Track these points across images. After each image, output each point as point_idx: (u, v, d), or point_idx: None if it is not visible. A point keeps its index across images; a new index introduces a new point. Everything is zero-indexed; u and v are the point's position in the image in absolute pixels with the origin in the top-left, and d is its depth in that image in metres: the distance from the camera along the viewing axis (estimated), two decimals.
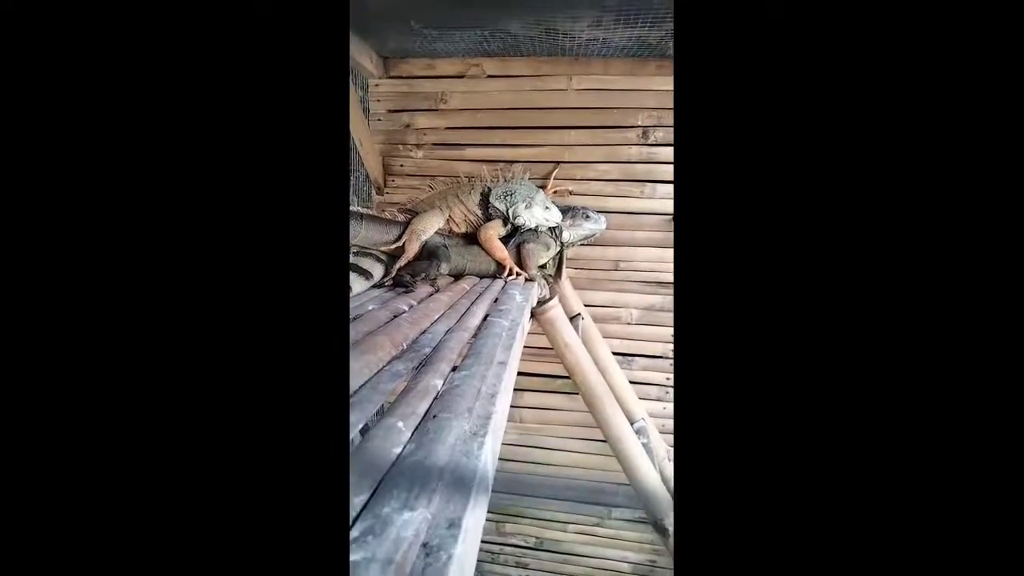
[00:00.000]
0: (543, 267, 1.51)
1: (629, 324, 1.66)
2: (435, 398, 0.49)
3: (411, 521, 0.28)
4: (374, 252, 1.27)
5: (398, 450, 0.37)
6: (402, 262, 1.24)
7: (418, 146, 1.66)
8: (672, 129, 1.50)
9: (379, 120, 1.66)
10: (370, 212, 1.35)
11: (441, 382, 0.53)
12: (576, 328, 1.41)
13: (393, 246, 1.28)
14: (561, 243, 1.45)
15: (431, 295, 1.04)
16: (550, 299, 1.29)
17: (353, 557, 0.25)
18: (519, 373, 1.61)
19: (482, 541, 0.37)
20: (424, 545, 0.27)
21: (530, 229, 1.39)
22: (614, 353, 1.64)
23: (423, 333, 0.73)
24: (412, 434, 0.40)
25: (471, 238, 1.41)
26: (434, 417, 0.43)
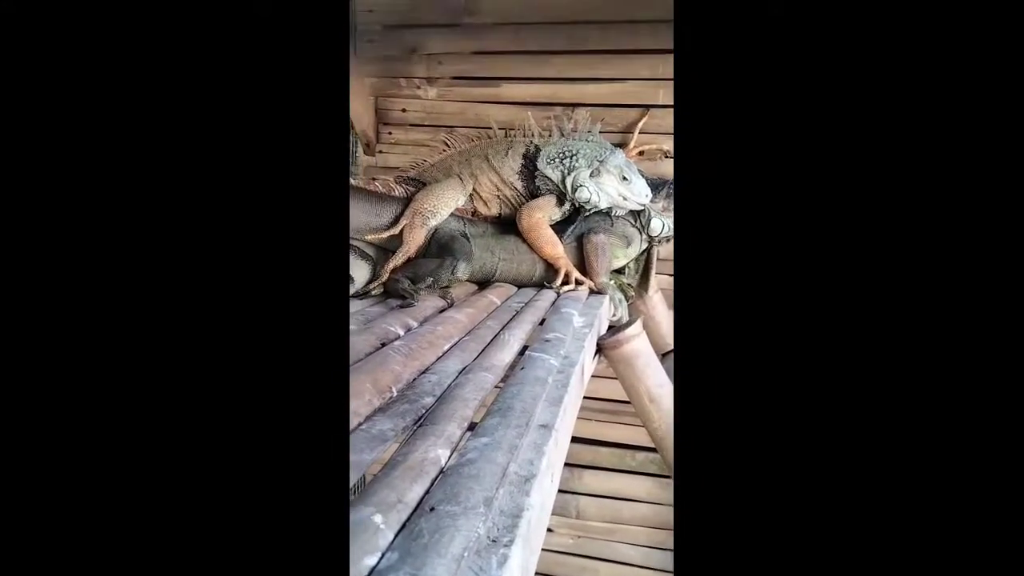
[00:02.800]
0: (619, 272, 1.49)
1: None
2: (436, 479, 0.49)
3: None
4: (358, 244, 1.30)
5: (372, 561, 0.38)
6: (398, 260, 1.26)
7: (429, 80, 1.70)
8: None
9: (370, 41, 1.71)
10: (353, 183, 1.39)
11: (447, 453, 0.53)
12: (671, 371, 1.39)
13: (386, 234, 1.31)
14: (650, 237, 1.44)
15: (441, 312, 1.05)
16: (630, 324, 1.28)
17: None
18: (574, 439, 1.60)
19: None
20: None
21: (600, 212, 1.38)
22: None
23: (424, 373, 0.73)
24: (396, 536, 0.40)
25: (507, 224, 1.43)
26: (432, 510, 0.43)
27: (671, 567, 1.76)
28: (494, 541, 0.41)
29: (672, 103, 1.57)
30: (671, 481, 1.39)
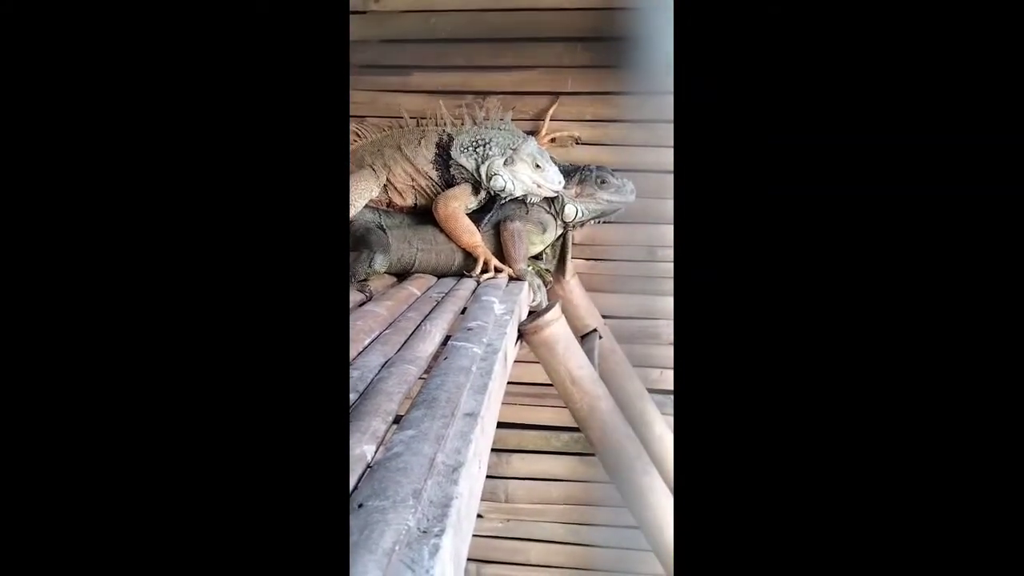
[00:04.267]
0: (536, 259, 1.51)
1: (673, 344, 1.68)
2: (362, 475, 0.48)
3: None
4: None
5: None
6: None
7: None
8: None
9: None
10: None
11: (372, 448, 0.53)
12: (590, 353, 1.42)
13: None
14: (564, 222, 1.47)
15: (360, 305, 1.03)
16: (549, 309, 1.30)
17: None
18: (501, 425, 1.61)
19: None
20: None
21: (515, 200, 1.39)
22: (650, 391, 1.65)
23: None
24: None
25: (424, 215, 1.41)
26: (360, 507, 0.43)
27: (600, 542, 1.82)
28: (425, 532, 0.41)
29: (582, 90, 1.60)
30: (596, 459, 1.43)
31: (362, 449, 0.51)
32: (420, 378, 0.74)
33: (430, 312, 1.03)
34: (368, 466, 0.50)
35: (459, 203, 1.35)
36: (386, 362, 0.76)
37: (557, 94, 1.61)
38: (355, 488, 0.46)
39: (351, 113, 1.63)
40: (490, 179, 1.34)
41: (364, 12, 1.62)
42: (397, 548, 0.39)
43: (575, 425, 1.41)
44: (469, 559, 0.51)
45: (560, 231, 1.49)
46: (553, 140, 1.60)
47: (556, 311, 1.27)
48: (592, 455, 1.47)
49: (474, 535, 0.55)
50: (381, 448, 0.53)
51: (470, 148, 1.36)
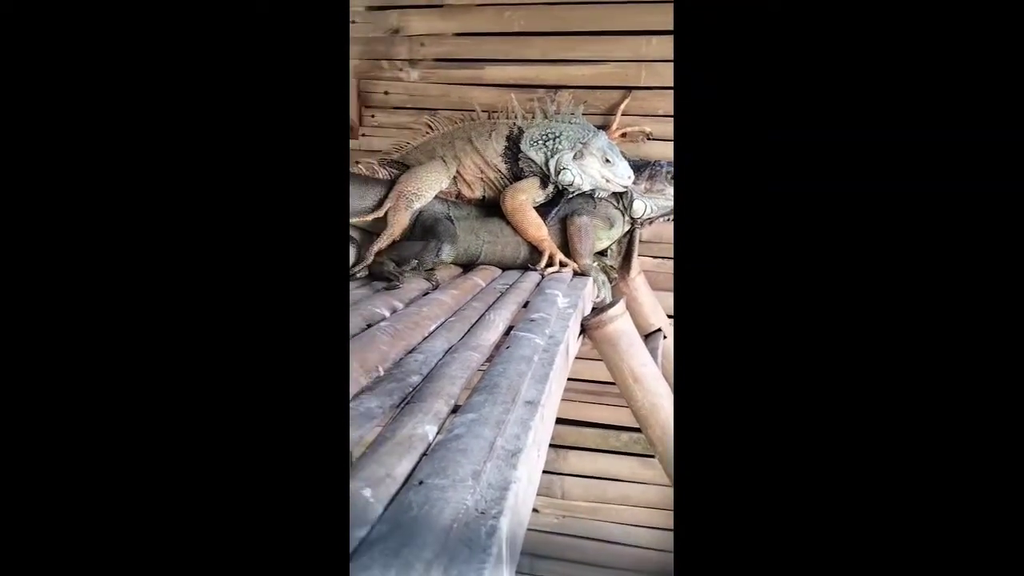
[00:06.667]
0: (602, 254, 1.50)
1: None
2: (424, 454, 0.49)
3: None
4: None
5: (362, 532, 0.38)
6: (383, 242, 1.26)
7: (412, 62, 1.69)
8: None
9: (353, 22, 1.69)
10: None
11: (434, 429, 0.53)
12: (654, 352, 1.40)
13: (371, 217, 1.31)
14: (632, 218, 1.45)
15: (426, 294, 1.05)
16: (613, 304, 1.29)
17: None
18: (559, 420, 1.61)
19: None
20: None
21: (583, 194, 1.38)
22: None
23: (410, 352, 0.74)
24: (385, 509, 0.41)
25: (491, 207, 1.43)
26: (420, 484, 0.44)
27: (654, 544, 1.79)
28: (482, 513, 0.42)
29: (654, 85, 1.58)
30: (655, 460, 1.41)
31: (424, 429, 0.52)
32: (479, 369, 0.75)
33: (494, 302, 1.04)
34: (429, 446, 0.51)
35: (527, 196, 1.35)
36: (450, 348, 0.77)
37: (630, 88, 1.58)
38: (416, 466, 0.47)
39: (424, 106, 1.66)
40: (559, 173, 1.34)
41: (440, 6, 1.64)
42: (455, 526, 0.39)
43: (635, 425, 1.39)
44: (523, 553, 0.51)
45: (627, 227, 1.47)
46: (624, 135, 1.58)
47: (620, 307, 1.26)
48: (652, 456, 1.45)
49: (529, 528, 0.55)
50: (442, 431, 0.54)
51: (540, 141, 1.36)
